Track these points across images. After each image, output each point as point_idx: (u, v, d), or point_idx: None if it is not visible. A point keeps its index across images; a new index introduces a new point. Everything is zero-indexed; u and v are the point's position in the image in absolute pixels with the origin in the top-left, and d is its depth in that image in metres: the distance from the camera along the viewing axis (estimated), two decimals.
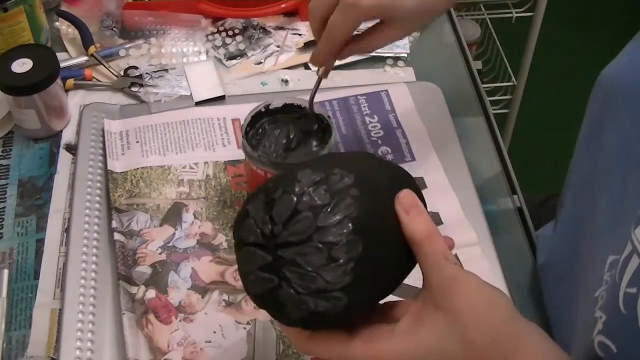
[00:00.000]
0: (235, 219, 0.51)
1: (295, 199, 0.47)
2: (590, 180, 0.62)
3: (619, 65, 0.60)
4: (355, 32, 0.70)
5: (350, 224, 0.47)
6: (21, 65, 0.82)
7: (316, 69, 0.73)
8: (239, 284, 0.71)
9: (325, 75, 0.73)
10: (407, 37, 0.97)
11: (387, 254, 0.49)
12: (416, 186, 0.54)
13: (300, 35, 0.98)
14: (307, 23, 0.99)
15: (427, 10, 0.70)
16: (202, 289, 0.71)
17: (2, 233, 0.77)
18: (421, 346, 0.48)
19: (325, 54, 0.70)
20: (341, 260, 0.46)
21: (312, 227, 0.47)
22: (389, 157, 0.82)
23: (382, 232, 0.49)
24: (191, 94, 0.89)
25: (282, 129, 0.74)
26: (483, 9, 1.80)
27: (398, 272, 0.52)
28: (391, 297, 0.52)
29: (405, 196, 0.50)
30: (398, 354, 0.49)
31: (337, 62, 0.73)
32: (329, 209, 0.47)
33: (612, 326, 0.51)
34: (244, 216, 0.50)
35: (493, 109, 1.20)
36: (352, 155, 0.62)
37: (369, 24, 0.71)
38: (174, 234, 0.75)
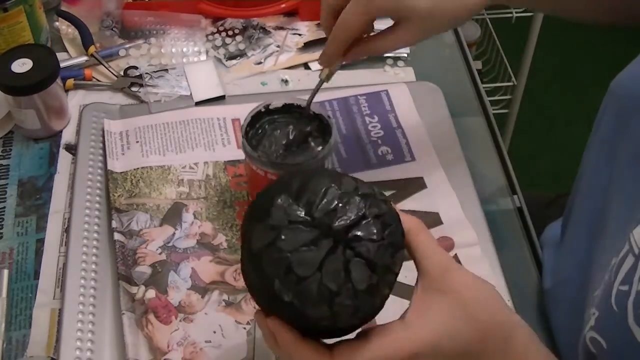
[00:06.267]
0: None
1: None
2: (604, 188, 0.61)
3: (633, 73, 0.60)
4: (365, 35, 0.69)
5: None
6: (21, 65, 0.82)
7: (320, 69, 0.73)
8: (239, 284, 0.71)
9: (327, 78, 0.72)
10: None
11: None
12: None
13: (300, 35, 0.98)
14: (307, 23, 1.00)
15: (444, 13, 0.67)
16: (202, 289, 0.71)
17: (2, 233, 0.77)
18: (435, 329, 0.50)
19: (335, 49, 0.69)
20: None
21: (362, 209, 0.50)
22: (389, 157, 0.82)
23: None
24: (191, 94, 0.89)
25: (282, 129, 0.74)
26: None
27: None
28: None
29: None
30: (417, 343, 0.49)
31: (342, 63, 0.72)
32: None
33: (603, 322, 0.52)
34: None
35: (493, 109, 1.20)
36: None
37: (383, 27, 0.69)
38: (174, 234, 0.75)
